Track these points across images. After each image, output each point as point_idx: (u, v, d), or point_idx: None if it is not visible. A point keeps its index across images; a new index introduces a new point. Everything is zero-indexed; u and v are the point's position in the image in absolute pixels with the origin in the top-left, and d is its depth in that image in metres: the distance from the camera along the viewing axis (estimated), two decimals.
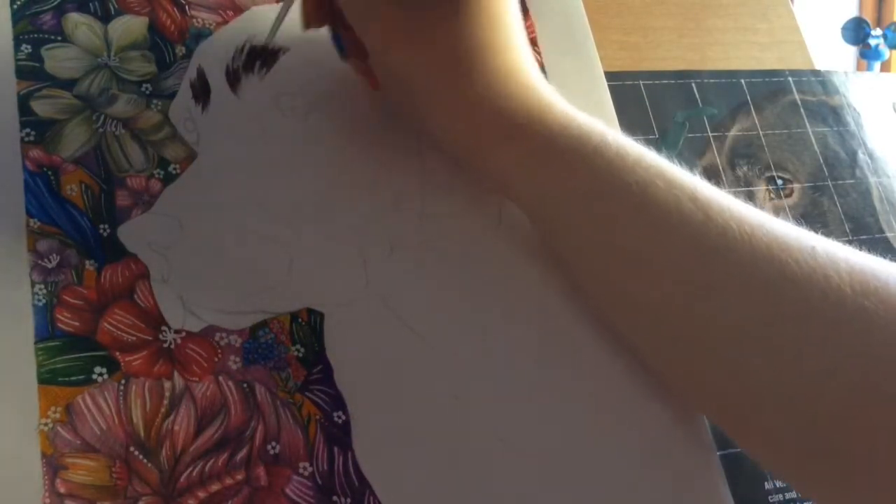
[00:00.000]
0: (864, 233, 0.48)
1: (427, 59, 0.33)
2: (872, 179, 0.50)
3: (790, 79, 0.52)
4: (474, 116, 0.33)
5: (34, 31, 0.36)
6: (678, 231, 0.31)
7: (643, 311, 0.32)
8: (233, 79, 0.38)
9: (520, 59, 0.34)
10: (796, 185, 0.48)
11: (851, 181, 0.50)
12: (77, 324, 0.32)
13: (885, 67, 1.48)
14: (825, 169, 0.49)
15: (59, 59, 0.36)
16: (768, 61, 0.52)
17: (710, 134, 0.48)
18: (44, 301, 0.32)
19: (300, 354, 0.34)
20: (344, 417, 0.33)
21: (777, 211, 0.47)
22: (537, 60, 0.43)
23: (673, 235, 0.31)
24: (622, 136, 0.34)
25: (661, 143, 0.47)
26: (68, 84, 0.35)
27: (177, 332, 0.33)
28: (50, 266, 0.32)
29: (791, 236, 0.30)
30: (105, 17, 0.37)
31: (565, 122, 0.33)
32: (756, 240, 0.30)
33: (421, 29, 0.33)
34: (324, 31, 0.38)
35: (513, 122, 0.33)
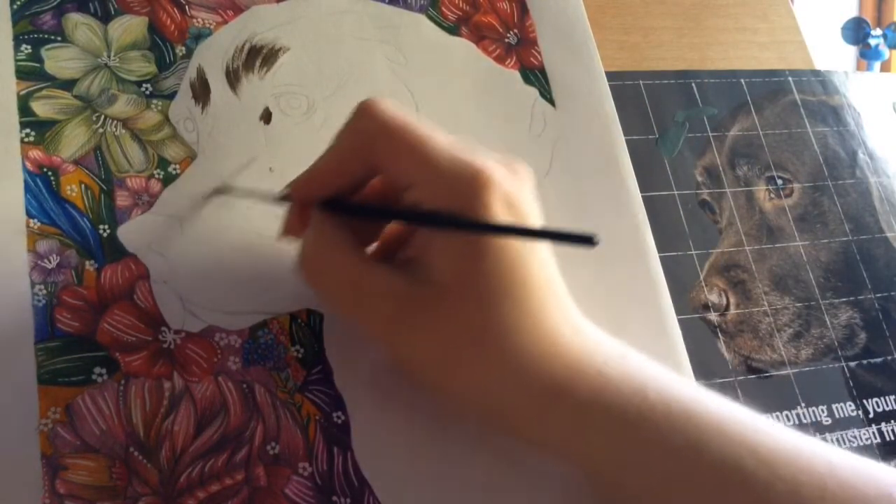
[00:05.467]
0: (864, 233, 0.48)
1: (437, 347, 0.29)
2: (872, 179, 0.50)
3: (790, 79, 0.52)
4: (494, 400, 0.30)
5: (34, 31, 0.36)
6: (741, 496, 0.28)
7: None
8: (233, 79, 0.38)
9: (543, 325, 0.29)
10: (796, 185, 0.48)
11: (851, 181, 0.50)
12: (77, 324, 0.32)
13: (885, 67, 1.48)
14: (825, 169, 0.49)
15: (59, 59, 0.36)
16: (768, 61, 0.52)
17: (710, 134, 0.48)
18: (44, 301, 0.32)
19: (300, 355, 0.34)
20: (343, 418, 0.33)
21: (777, 211, 0.47)
22: (537, 61, 0.43)
23: (736, 502, 0.28)
24: (668, 383, 0.30)
25: (660, 142, 0.47)
26: (68, 84, 0.35)
27: (176, 332, 0.33)
28: (50, 266, 0.32)
29: (867, 482, 0.28)
30: (105, 17, 0.37)
31: (600, 387, 0.29)
32: (829, 494, 0.28)
33: (426, 319, 0.29)
34: (328, 31, 0.38)
35: (541, 398, 0.29)
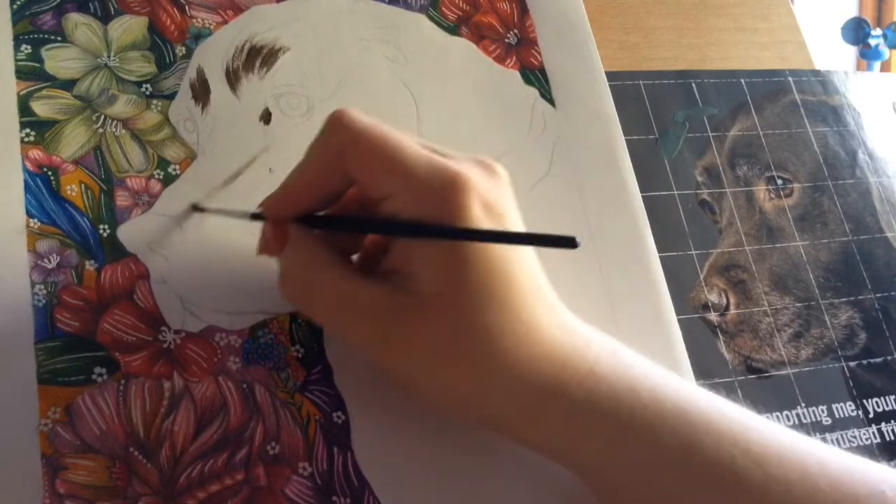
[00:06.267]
0: (864, 233, 0.48)
1: (426, 357, 0.29)
2: (872, 179, 0.50)
3: (790, 79, 0.52)
4: (487, 405, 0.30)
5: (34, 31, 0.36)
6: (734, 496, 0.28)
7: None
8: (233, 79, 0.38)
9: (531, 326, 0.29)
10: (796, 185, 0.48)
11: (851, 181, 0.50)
12: (77, 324, 0.32)
13: (885, 67, 1.48)
14: (825, 169, 0.49)
15: (59, 59, 0.36)
16: (768, 61, 0.52)
17: (710, 134, 0.48)
18: (44, 301, 0.32)
19: (300, 355, 0.34)
20: (343, 418, 0.33)
21: (777, 211, 0.47)
22: (537, 61, 0.43)
23: (729, 502, 0.28)
24: (660, 380, 0.30)
25: (660, 142, 0.47)
26: (68, 84, 0.35)
27: (176, 332, 0.33)
28: (50, 266, 0.32)
29: (858, 480, 0.28)
30: (105, 17, 0.37)
31: (591, 387, 0.29)
32: (820, 493, 0.28)
33: (412, 329, 0.29)
34: (327, 31, 0.38)
35: (533, 401, 0.29)
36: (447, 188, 0.28)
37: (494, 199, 0.29)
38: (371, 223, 0.32)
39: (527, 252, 0.30)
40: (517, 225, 0.30)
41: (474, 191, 0.28)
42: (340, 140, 0.29)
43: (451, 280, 0.28)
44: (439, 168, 0.28)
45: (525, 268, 0.29)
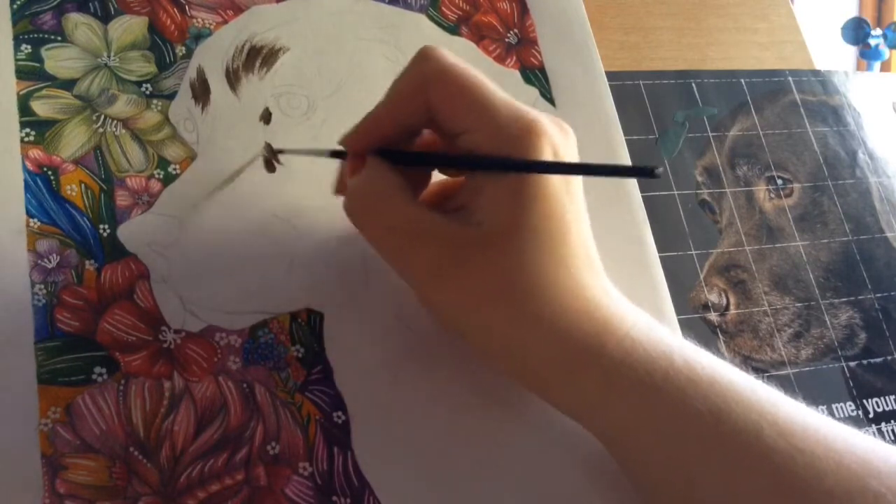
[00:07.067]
0: (864, 233, 0.48)
1: (476, 293, 0.30)
2: (872, 179, 0.50)
3: (790, 79, 0.52)
4: (526, 353, 0.30)
5: (34, 31, 0.36)
6: (760, 465, 0.28)
7: None
8: (233, 79, 0.38)
9: (578, 281, 0.30)
10: (796, 185, 0.48)
11: (851, 181, 0.50)
12: (77, 324, 0.32)
13: (885, 67, 1.48)
14: (825, 169, 0.50)
15: (59, 59, 0.36)
16: (768, 61, 0.52)
17: (710, 134, 0.48)
18: (44, 301, 0.32)
19: (300, 355, 0.34)
20: (344, 418, 0.33)
21: (777, 211, 0.47)
22: (537, 60, 0.43)
23: (755, 470, 0.28)
24: (693, 351, 0.31)
25: (660, 142, 0.47)
26: (68, 84, 0.35)
27: (176, 332, 0.33)
28: (50, 266, 0.32)
29: (880, 457, 0.29)
30: (105, 17, 0.37)
31: (628, 349, 0.30)
32: (844, 468, 0.28)
33: (468, 262, 0.30)
34: (328, 31, 0.38)
35: (572, 356, 0.30)
36: (524, 130, 0.29)
37: (563, 151, 0.30)
38: (450, 157, 0.33)
39: (582, 216, 0.31)
40: (578, 179, 0.31)
41: (548, 138, 0.30)
42: (427, 72, 0.31)
43: (512, 217, 0.29)
44: (519, 111, 0.30)
45: (577, 226, 0.31)
